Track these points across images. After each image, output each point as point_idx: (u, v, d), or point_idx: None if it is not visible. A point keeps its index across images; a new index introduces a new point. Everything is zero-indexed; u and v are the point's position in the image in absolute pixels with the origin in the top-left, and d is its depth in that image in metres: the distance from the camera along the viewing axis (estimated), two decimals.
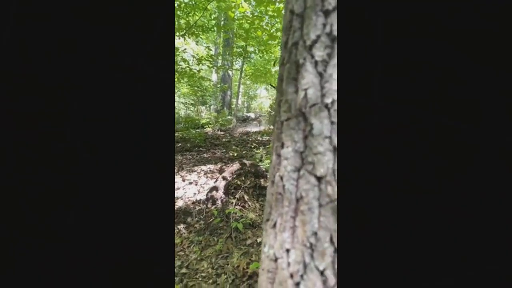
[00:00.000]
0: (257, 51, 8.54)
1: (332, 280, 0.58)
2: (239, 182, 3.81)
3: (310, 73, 0.66)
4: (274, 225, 0.67)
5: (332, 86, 0.64)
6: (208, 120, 8.94)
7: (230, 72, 10.65)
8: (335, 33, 0.66)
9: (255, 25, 6.17)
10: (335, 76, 0.64)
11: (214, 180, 4.10)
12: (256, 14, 6.21)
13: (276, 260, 0.65)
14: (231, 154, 5.51)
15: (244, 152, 5.69)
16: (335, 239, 0.60)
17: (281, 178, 0.67)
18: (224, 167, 4.74)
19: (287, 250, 0.63)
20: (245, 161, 4.20)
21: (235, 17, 6.67)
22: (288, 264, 0.62)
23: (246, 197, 3.63)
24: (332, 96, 0.64)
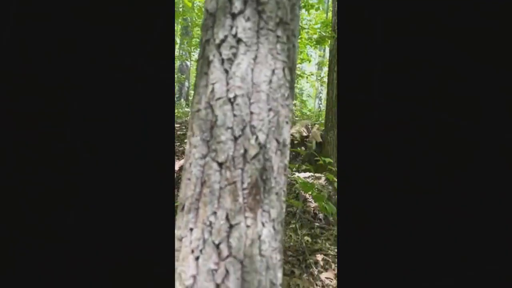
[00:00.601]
0: None
1: (225, 252, 0.65)
2: None
3: (217, 69, 0.71)
4: (183, 208, 0.72)
5: (235, 82, 0.70)
6: None
7: (188, 63, 10.36)
8: (239, 35, 0.71)
9: None
10: (238, 73, 0.70)
11: None
12: None
13: (181, 239, 0.70)
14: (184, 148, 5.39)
15: None
16: (230, 217, 0.66)
17: (190, 164, 0.72)
18: (176, 161, 4.70)
19: (191, 229, 0.69)
20: None
21: (195, 6, 6.54)
22: (191, 241, 0.68)
23: None
24: (234, 91, 0.69)
